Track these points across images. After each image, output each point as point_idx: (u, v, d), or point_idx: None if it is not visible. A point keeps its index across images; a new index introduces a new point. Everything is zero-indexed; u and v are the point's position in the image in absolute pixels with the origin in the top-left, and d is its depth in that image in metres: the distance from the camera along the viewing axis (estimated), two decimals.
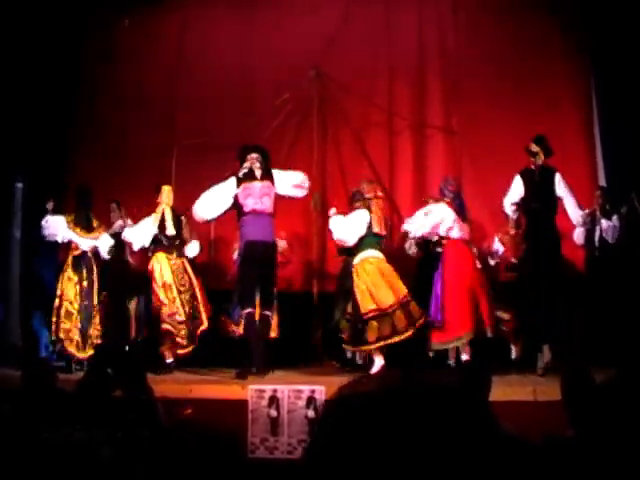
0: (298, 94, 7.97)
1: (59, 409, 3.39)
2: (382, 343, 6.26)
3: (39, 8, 8.05)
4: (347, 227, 6.58)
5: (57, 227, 7.03)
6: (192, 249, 7.28)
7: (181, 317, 6.92)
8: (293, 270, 7.96)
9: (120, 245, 7.32)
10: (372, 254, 6.52)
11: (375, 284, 6.38)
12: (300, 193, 6.82)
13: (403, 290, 6.40)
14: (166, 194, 7.15)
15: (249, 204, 6.44)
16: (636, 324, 6.41)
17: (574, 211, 6.50)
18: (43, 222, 7.05)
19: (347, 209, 6.84)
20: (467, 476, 0.82)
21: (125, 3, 8.64)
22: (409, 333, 6.24)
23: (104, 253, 7.21)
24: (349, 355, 7.02)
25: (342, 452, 0.83)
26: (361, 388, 0.90)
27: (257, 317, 6.46)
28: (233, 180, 6.54)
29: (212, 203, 6.57)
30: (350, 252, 6.82)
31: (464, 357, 6.35)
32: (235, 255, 7.22)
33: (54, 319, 6.90)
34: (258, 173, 6.55)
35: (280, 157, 7.69)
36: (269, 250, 6.53)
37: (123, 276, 7.45)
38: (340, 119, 8.25)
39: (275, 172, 6.67)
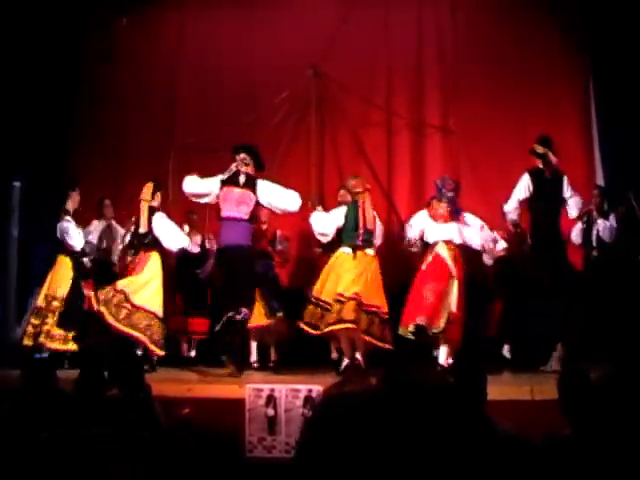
0: (296, 93, 7.98)
1: (58, 409, 3.39)
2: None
3: (39, 8, 8.04)
4: (326, 221, 6.74)
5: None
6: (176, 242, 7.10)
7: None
8: (291, 268, 7.97)
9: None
10: (343, 250, 6.64)
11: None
12: (291, 208, 6.59)
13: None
14: (144, 191, 7.00)
15: (226, 209, 6.39)
16: (634, 323, 6.44)
17: (575, 205, 6.58)
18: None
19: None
20: (457, 475, 0.82)
21: (124, 3, 8.64)
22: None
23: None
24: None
25: (330, 451, 0.83)
26: (347, 388, 0.91)
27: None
28: (217, 180, 6.47)
29: (196, 186, 6.54)
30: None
31: (446, 359, 6.36)
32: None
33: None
34: (242, 179, 6.46)
35: (278, 156, 7.70)
36: (240, 255, 6.42)
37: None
38: (338, 118, 8.26)
39: (262, 183, 6.51)
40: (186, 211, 7.65)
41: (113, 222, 7.75)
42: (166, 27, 8.82)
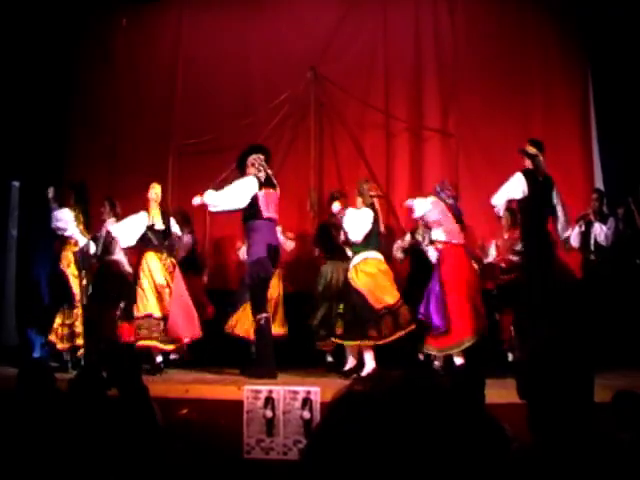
0: (295, 95, 7.98)
1: (54, 408, 3.39)
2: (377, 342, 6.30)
3: (37, 8, 8.05)
4: (357, 224, 6.49)
5: (67, 220, 6.94)
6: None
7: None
8: (289, 271, 7.95)
9: (109, 245, 7.30)
10: (373, 255, 6.50)
11: (376, 285, 6.39)
12: None
13: (396, 295, 6.43)
14: (154, 191, 6.99)
15: (268, 211, 6.46)
16: (633, 326, 6.44)
17: (562, 225, 6.52)
18: (55, 213, 6.91)
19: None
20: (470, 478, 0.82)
21: (123, 4, 8.64)
22: (395, 336, 6.30)
23: (95, 251, 7.19)
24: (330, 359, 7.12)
25: (341, 453, 0.83)
26: (359, 389, 0.90)
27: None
28: (255, 181, 6.47)
29: (234, 196, 6.45)
30: (333, 255, 7.00)
31: (458, 361, 6.34)
32: (241, 255, 7.30)
33: (63, 320, 6.90)
34: (274, 181, 6.60)
35: (277, 158, 7.69)
36: (279, 255, 6.70)
37: (109, 277, 7.39)
38: (337, 120, 8.26)
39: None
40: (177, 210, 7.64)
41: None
42: (165, 28, 8.83)
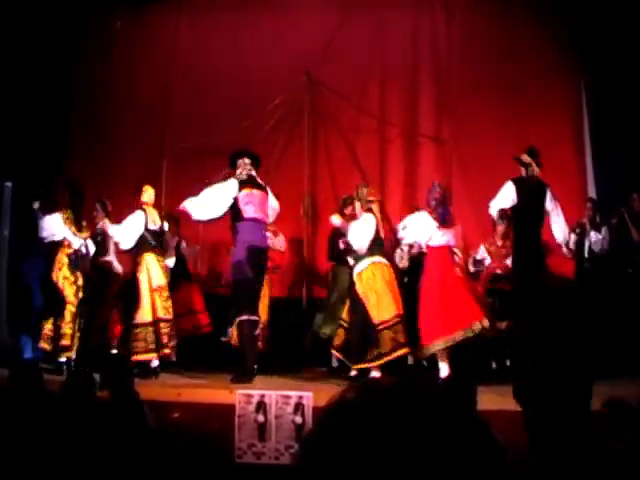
0: (290, 99, 7.99)
1: (44, 410, 3.37)
2: (385, 359, 6.06)
3: (37, 8, 8.03)
4: (361, 233, 6.30)
5: (55, 226, 6.94)
6: (170, 262, 7.22)
7: (169, 316, 6.80)
8: (283, 275, 7.95)
9: (102, 246, 7.27)
10: (379, 260, 6.35)
11: (383, 293, 6.18)
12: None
13: (393, 309, 6.17)
14: (149, 194, 6.99)
15: (250, 211, 6.38)
16: (626, 333, 6.46)
17: (561, 228, 6.51)
18: (41, 222, 6.93)
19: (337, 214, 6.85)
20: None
21: (122, 4, 8.64)
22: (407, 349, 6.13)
23: (91, 253, 7.18)
24: (335, 364, 7.01)
25: (334, 459, 0.83)
26: (352, 396, 0.90)
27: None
28: (234, 183, 6.42)
29: (213, 204, 6.37)
30: (340, 259, 6.79)
31: (443, 372, 6.18)
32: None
33: (53, 321, 6.86)
34: (260, 182, 6.53)
35: (271, 161, 7.70)
36: (265, 256, 6.56)
37: (104, 278, 7.36)
38: (331, 125, 8.27)
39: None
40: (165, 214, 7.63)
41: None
42: (162, 30, 8.83)
